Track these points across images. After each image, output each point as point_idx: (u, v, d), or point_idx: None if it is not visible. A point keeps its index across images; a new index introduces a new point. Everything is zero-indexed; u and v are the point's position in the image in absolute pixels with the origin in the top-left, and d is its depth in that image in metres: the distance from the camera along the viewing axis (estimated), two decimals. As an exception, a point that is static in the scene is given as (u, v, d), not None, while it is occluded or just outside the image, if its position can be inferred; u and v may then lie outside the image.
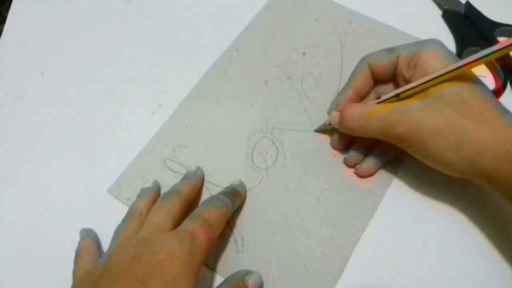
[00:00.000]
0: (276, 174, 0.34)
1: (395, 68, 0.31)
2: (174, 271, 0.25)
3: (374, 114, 0.29)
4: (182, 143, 0.36)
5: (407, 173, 0.33)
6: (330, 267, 0.30)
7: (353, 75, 0.33)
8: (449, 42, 0.38)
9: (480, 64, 0.26)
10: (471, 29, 0.38)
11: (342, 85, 0.37)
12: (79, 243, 0.32)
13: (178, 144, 0.36)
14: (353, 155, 0.33)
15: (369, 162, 0.33)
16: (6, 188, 0.36)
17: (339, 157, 0.34)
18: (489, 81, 0.36)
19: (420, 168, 0.33)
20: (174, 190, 0.31)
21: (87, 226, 0.33)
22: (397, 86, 0.31)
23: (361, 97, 0.33)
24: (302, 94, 0.37)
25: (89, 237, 0.32)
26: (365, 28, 0.39)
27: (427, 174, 0.33)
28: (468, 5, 0.39)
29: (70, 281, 0.29)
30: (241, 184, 0.34)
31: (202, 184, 0.34)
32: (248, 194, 0.34)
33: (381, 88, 0.33)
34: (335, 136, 0.34)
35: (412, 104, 0.28)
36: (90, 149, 0.37)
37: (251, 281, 0.29)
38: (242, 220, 0.33)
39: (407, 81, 0.29)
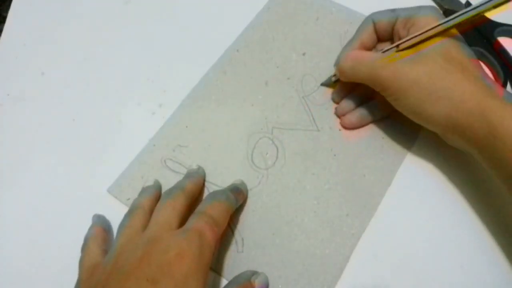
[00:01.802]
0: (276, 174, 0.34)
1: (393, 27, 0.33)
2: (184, 270, 0.25)
3: (364, 58, 0.32)
4: (182, 143, 0.36)
5: (408, 172, 0.33)
6: (330, 267, 0.30)
7: (359, 30, 0.34)
8: (449, 42, 0.38)
9: (470, 19, 0.28)
10: (471, 29, 0.38)
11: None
12: (90, 229, 0.32)
13: (178, 144, 0.36)
14: (344, 105, 0.35)
15: (355, 114, 0.35)
16: (6, 188, 0.36)
17: (339, 156, 0.34)
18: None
19: (421, 167, 0.33)
20: (178, 187, 0.31)
21: (87, 226, 0.33)
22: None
23: (366, 50, 0.35)
24: (302, 94, 0.37)
25: (100, 224, 0.32)
26: (365, 28, 0.39)
27: (427, 174, 0.33)
28: (468, 5, 0.39)
29: (70, 281, 0.29)
30: (243, 183, 0.34)
31: (204, 182, 0.34)
32: (248, 194, 0.33)
33: (382, 46, 0.34)
34: (337, 89, 0.36)
35: (402, 59, 0.30)
36: (90, 149, 0.37)
37: (257, 281, 0.29)
38: (242, 220, 0.33)
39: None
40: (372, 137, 0.35)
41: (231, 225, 0.32)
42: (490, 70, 0.37)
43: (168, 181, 0.34)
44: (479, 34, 0.37)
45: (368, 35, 0.34)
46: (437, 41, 0.29)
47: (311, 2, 0.41)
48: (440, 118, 0.29)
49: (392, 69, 0.30)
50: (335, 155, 0.34)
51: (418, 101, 0.29)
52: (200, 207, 0.30)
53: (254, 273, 0.29)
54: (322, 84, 0.37)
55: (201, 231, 0.27)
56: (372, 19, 0.34)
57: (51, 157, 0.37)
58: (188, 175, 0.34)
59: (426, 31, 0.29)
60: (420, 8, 0.31)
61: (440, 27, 0.29)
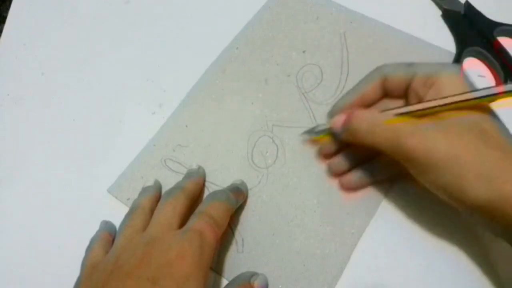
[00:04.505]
0: (276, 173, 0.34)
1: (409, 84, 0.29)
2: (184, 271, 0.25)
3: (383, 121, 0.27)
4: (182, 143, 0.36)
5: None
6: (330, 267, 0.30)
7: (363, 81, 0.31)
8: (449, 42, 0.38)
9: (506, 97, 0.25)
10: (470, 29, 0.38)
11: (341, 84, 0.37)
12: (96, 232, 0.32)
13: (178, 144, 0.36)
14: (341, 162, 0.32)
15: (355, 175, 0.32)
16: (6, 188, 0.36)
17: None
18: (489, 80, 0.36)
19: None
20: (178, 187, 0.31)
21: (87, 226, 0.33)
22: (407, 102, 0.30)
23: (365, 107, 0.31)
24: (302, 92, 0.37)
25: (107, 229, 0.32)
26: (365, 28, 0.39)
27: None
28: (468, 5, 0.39)
29: (70, 281, 0.29)
30: (243, 183, 0.34)
31: (204, 182, 0.34)
32: (248, 193, 0.33)
33: (388, 103, 0.31)
34: (327, 144, 0.33)
35: (428, 124, 0.26)
36: (90, 149, 0.37)
37: (256, 283, 0.29)
38: (242, 220, 0.33)
39: (420, 100, 0.28)
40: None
41: (231, 225, 0.32)
42: (490, 70, 0.37)
43: (168, 181, 0.34)
44: (478, 34, 0.37)
45: (373, 90, 0.30)
46: (467, 112, 0.26)
47: (311, 1, 0.41)
48: (479, 201, 0.24)
49: (420, 137, 0.25)
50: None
51: (455, 179, 0.24)
52: (200, 207, 0.30)
53: (254, 274, 0.29)
54: (304, 133, 0.34)
55: (201, 231, 0.27)
56: (383, 72, 0.30)
57: (51, 157, 0.37)
58: (188, 175, 0.34)
59: (456, 97, 0.26)
60: (442, 65, 0.28)
61: (471, 95, 0.25)
